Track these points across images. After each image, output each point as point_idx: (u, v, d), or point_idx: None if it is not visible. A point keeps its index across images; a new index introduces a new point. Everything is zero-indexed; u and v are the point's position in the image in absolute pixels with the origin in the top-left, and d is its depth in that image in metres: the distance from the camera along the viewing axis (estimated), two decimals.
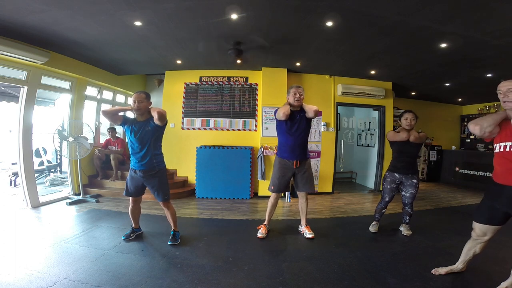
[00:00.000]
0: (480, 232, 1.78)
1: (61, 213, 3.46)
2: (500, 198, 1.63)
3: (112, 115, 2.39)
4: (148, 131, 2.39)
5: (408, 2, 2.28)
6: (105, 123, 5.34)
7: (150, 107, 2.43)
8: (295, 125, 2.67)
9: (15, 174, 4.54)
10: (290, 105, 2.66)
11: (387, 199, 2.90)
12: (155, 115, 2.30)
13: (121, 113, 2.46)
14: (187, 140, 4.93)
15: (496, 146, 1.66)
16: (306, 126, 2.71)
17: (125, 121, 2.43)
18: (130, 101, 2.40)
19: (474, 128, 1.67)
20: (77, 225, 3.04)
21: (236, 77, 4.97)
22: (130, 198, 2.57)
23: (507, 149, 1.58)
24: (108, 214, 3.45)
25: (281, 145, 2.78)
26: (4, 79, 3.33)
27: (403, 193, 2.84)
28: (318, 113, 2.67)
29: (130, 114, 2.60)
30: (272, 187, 2.81)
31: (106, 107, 5.29)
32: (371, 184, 5.65)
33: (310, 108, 2.61)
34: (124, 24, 2.86)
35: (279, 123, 2.72)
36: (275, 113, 2.71)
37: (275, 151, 2.87)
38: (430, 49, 3.30)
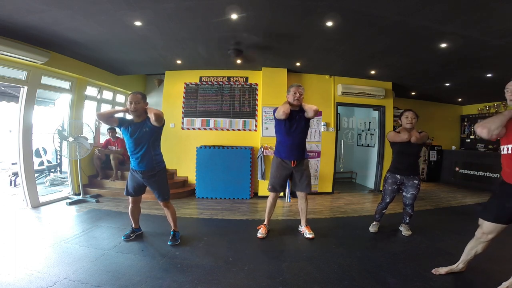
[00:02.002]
0: (488, 230, 1.77)
1: (61, 213, 3.46)
2: (511, 198, 1.63)
3: (107, 118, 2.36)
4: (146, 132, 2.36)
5: (408, 2, 2.28)
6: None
7: (146, 107, 2.39)
8: (294, 125, 2.65)
9: (15, 174, 4.54)
10: (290, 104, 2.65)
11: (388, 200, 2.89)
12: (152, 116, 2.27)
13: (117, 115, 2.42)
14: (187, 140, 4.93)
15: (503, 148, 1.64)
16: (305, 126, 2.70)
17: (121, 123, 2.39)
18: (127, 101, 2.37)
19: (482, 131, 1.64)
20: (77, 225, 3.04)
21: (236, 77, 4.97)
22: (130, 198, 2.57)
23: None
24: (108, 214, 3.45)
25: (279, 145, 2.78)
26: (4, 79, 3.33)
27: (404, 193, 2.84)
28: (317, 113, 2.66)
29: (127, 115, 2.58)
30: (270, 187, 2.82)
31: (106, 107, 5.30)
32: (371, 184, 5.65)
33: (310, 108, 2.60)
34: (124, 24, 2.86)
35: (278, 122, 2.72)
36: (274, 112, 2.69)
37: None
38: (430, 49, 3.30)
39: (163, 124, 2.42)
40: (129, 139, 2.38)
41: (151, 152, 2.41)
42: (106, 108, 5.30)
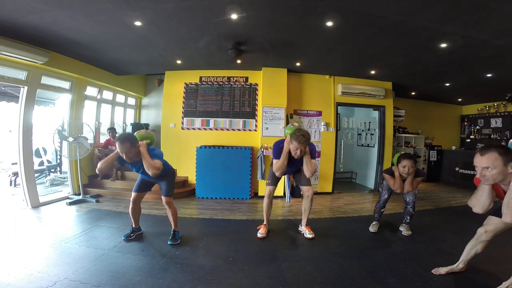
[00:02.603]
0: (493, 227, 1.77)
1: (61, 213, 3.46)
2: None
3: (109, 168, 2.44)
4: None
5: (408, 2, 2.28)
6: (105, 123, 5.35)
7: (139, 146, 2.31)
8: (294, 164, 2.69)
9: (15, 174, 4.54)
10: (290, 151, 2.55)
11: (386, 196, 2.90)
12: (151, 174, 2.25)
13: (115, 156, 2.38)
14: (187, 140, 4.93)
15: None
16: (302, 161, 2.63)
17: (122, 162, 2.42)
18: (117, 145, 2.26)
19: (478, 211, 1.65)
20: (77, 225, 3.04)
21: (236, 77, 4.97)
22: (131, 197, 2.59)
23: None
24: (108, 214, 3.45)
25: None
26: (4, 79, 3.33)
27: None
28: (315, 173, 2.61)
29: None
30: (269, 181, 2.85)
31: (106, 107, 5.30)
32: (371, 184, 5.65)
33: (309, 167, 2.52)
34: (124, 24, 2.86)
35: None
36: (274, 155, 2.66)
37: None
38: (430, 49, 3.31)
39: (162, 166, 2.41)
40: (136, 172, 2.52)
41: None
42: (106, 108, 5.32)
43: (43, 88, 3.85)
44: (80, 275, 1.93)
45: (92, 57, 4.06)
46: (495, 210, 1.80)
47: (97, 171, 2.40)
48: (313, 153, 2.60)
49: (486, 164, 1.50)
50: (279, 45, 3.56)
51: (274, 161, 2.66)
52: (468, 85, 5.06)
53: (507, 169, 1.46)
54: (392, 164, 2.86)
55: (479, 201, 1.65)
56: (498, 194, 1.63)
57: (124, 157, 2.25)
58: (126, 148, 2.21)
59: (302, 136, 2.38)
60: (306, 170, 2.55)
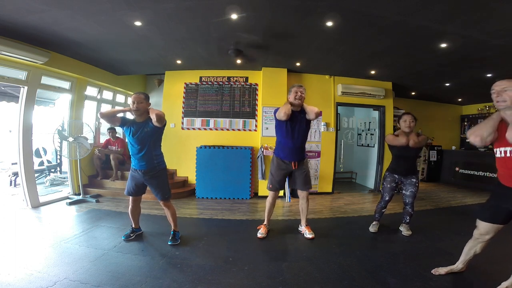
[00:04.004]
0: (484, 230, 1.78)
1: (61, 213, 3.46)
2: (508, 199, 1.63)
3: (110, 117, 2.39)
4: (147, 132, 2.39)
5: (408, 2, 2.28)
6: (105, 123, 5.33)
7: (149, 108, 2.44)
8: (295, 126, 2.64)
9: (15, 174, 4.54)
10: (291, 104, 2.63)
11: (387, 198, 2.90)
12: (153, 117, 2.29)
13: (119, 114, 2.45)
14: (187, 140, 4.93)
15: (496, 151, 1.65)
16: (306, 128, 2.70)
17: (124, 123, 2.43)
18: (129, 101, 2.39)
19: (475, 139, 1.63)
20: (77, 225, 3.04)
21: (236, 77, 4.97)
22: (130, 198, 2.58)
23: (508, 154, 1.57)
24: (108, 214, 3.45)
25: (279, 145, 2.77)
26: (4, 79, 3.33)
27: (403, 191, 2.85)
28: (319, 115, 2.65)
29: (129, 115, 2.59)
30: (270, 186, 2.82)
31: (106, 107, 5.29)
32: (371, 184, 5.65)
33: (311, 110, 2.59)
34: (124, 24, 2.86)
35: (278, 123, 2.70)
36: (275, 112, 2.68)
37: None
38: (430, 49, 3.30)
39: (164, 125, 2.45)
40: (131, 139, 2.41)
41: (152, 152, 2.44)
42: (106, 107, 5.31)
43: (43, 88, 3.85)
44: (80, 275, 1.93)
45: (92, 57, 4.06)
46: (479, 211, 1.83)
47: (98, 114, 2.50)
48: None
49: (506, 84, 1.53)
50: (279, 45, 3.56)
51: (278, 110, 2.62)
52: (468, 85, 5.05)
53: None
54: None
55: (480, 128, 1.63)
56: (502, 137, 1.59)
57: (134, 107, 2.33)
58: (140, 98, 2.37)
59: (296, 83, 2.70)
60: (310, 112, 2.59)
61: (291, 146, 2.67)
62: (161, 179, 2.50)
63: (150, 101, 2.50)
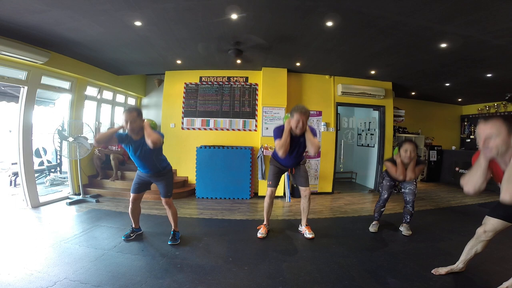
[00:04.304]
0: (492, 227, 1.76)
1: (61, 213, 3.46)
2: None
3: (106, 140, 2.33)
4: (148, 150, 2.35)
5: (408, 2, 2.28)
6: (105, 123, 5.34)
7: (143, 124, 2.34)
8: (294, 149, 2.64)
9: (15, 174, 4.54)
10: (291, 129, 2.52)
11: (385, 195, 2.91)
12: (149, 143, 2.21)
13: (115, 132, 2.38)
14: (187, 140, 4.93)
15: (499, 184, 1.56)
16: (304, 148, 2.66)
17: (121, 140, 2.39)
18: (123, 118, 2.29)
19: (469, 190, 1.57)
20: (77, 225, 3.04)
21: (236, 77, 4.97)
22: (130, 198, 2.58)
23: None
24: (108, 214, 3.45)
25: (277, 154, 2.67)
26: (4, 79, 3.33)
27: (403, 190, 2.86)
28: (319, 149, 2.60)
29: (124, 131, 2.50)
30: (270, 182, 2.84)
31: (106, 107, 5.30)
32: (371, 184, 5.65)
33: (312, 144, 2.48)
34: (124, 24, 2.86)
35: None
36: (274, 134, 2.59)
37: None
38: (430, 49, 3.30)
39: (162, 143, 2.42)
40: (133, 156, 2.43)
41: (156, 162, 2.47)
42: (106, 108, 5.31)
43: (43, 88, 3.84)
44: (80, 275, 1.93)
45: (92, 57, 4.06)
46: (492, 209, 1.81)
47: (94, 141, 2.40)
48: (313, 132, 2.58)
49: (490, 130, 1.43)
50: (279, 45, 3.56)
51: (276, 141, 2.54)
52: (468, 85, 5.06)
53: (510, 139, 1.41)
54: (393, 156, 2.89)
55: (472, 179, 1.56)
56: (496, 174, 1.56)
57: (128, 127, 2.25)
58: (133, 117, 2.24)
59: (301, 107, 2.50)
60: (310, 146, 2.50)
61: (287, 161, 2.74)
62: (167, 177, 2.56)
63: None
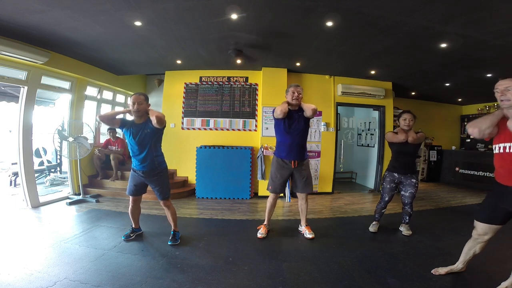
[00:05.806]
0: (482, 231, 1.78)
1: (61, 213, 3.46)
2: (505, 199, 1.62)
3: (109, 119, 2.38)
4: (148, 134, 2.38)
5: (408, 2, 2.28)
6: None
7: (148, 109, 2.42)
8: (293, 124, 2.65)
9: (15, 174, 4.54)
10: (289, 103, 2.65)
11: (386, 198, 2.90)
12: (153, 119, 2.28)
13: (119, 116, 2.44)
14: (187, 140, 4.93)
15: (495, 147, 1.65)
16: (304, 126, 2.70)
17: (123, 124, 2.42)
18: (129, 101, 2.38)
19: (473, 130, 1.66)
20: (77, 225, 3.04)
21: (236, 77, 4.97)
22: (130, 198, 2.58)
23: (507, 150, 1.57)
24: (108, 214, 3.45)
25: (279, 145, 2.78)
26: (4, 79, 3.33)
27: (402, 192, 2.85)
28: (316, 112, 2.65)
29: (129, 116, 2.57)
30: (270, 187, 2.82)
31: (106, 107, 5.30)
32: (371, 184, 5.65)
33: (308, 107, 2.59)
34: (124, 24, 2.86)
35: (277, 122, 2.72)
36: (273, 112, 2.69)
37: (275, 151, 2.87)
38: (430, 49, 3.30)
39: (164, 126, 2.44)
40: (131, 141, 2.40)
41: (153, 153, 2.44)
42: (106, 108, 5.30)
43: (43, 88, 3.84)
44: (80, 275, 1.94)
45: (92, 57, 4.06)
46: (475, 213, 1.83)
47: (98, 117, 2.49)
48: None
49: (509, 83, 1.55)
50: (279, 45, 3.56)
51: (275, 108, 2.65)
52: (468, 85, 5.06)
53: None
54: None
55: (479, 122, 1.66)
56: (502, 134, 1.61)
57: (134, 108, 2.32)
58: (141, 99, 2.35)
59: (293, 83, 2.72)
60: (307, 108, 2.59)
61: (289, 142, 2.68)
62: (162, 178, 2.51)
63: (150, 102, 2.49)
